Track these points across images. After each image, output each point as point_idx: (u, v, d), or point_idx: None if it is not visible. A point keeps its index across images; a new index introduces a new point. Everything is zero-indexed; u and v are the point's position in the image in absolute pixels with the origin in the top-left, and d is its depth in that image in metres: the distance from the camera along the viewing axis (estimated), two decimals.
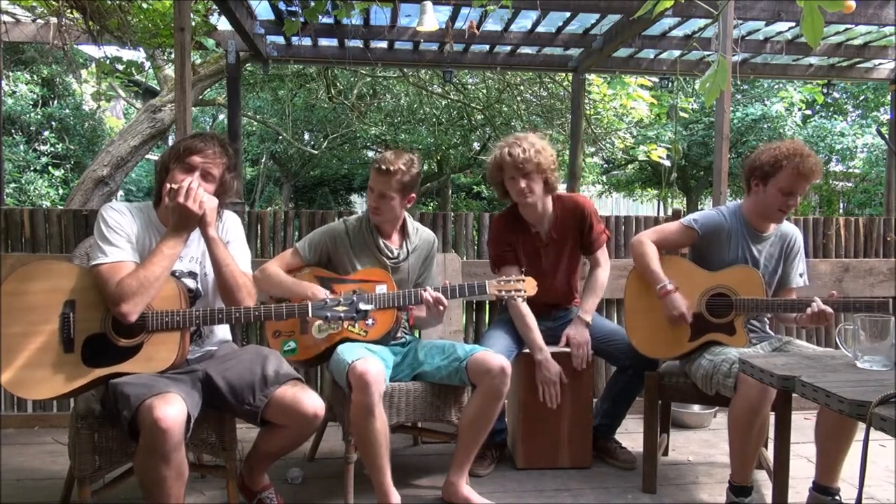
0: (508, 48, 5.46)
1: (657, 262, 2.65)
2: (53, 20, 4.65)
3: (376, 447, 2.29)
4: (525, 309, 2.76)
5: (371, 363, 2.28)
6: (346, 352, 2.38)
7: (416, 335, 2.96)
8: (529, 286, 2.46)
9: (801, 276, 2.72)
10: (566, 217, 2.86)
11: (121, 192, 10.72)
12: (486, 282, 2.46)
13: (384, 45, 5.50)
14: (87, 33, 4.64)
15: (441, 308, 2.46)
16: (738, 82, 10.77)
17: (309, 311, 2.17)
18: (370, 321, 2.50)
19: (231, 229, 2.32)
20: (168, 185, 2.10)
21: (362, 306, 2.16)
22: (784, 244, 2.69)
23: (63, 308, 2.04)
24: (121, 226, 2.12)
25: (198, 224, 2.11)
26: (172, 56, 4.62)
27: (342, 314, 2.16)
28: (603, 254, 2.96)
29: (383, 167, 2.55)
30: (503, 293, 2.45)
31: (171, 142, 4.69)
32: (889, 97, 6.81)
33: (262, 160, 13.93)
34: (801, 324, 2.57)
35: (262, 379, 2.10)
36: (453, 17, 4.53)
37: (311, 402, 2.10)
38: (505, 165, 2.73)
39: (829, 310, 2.45)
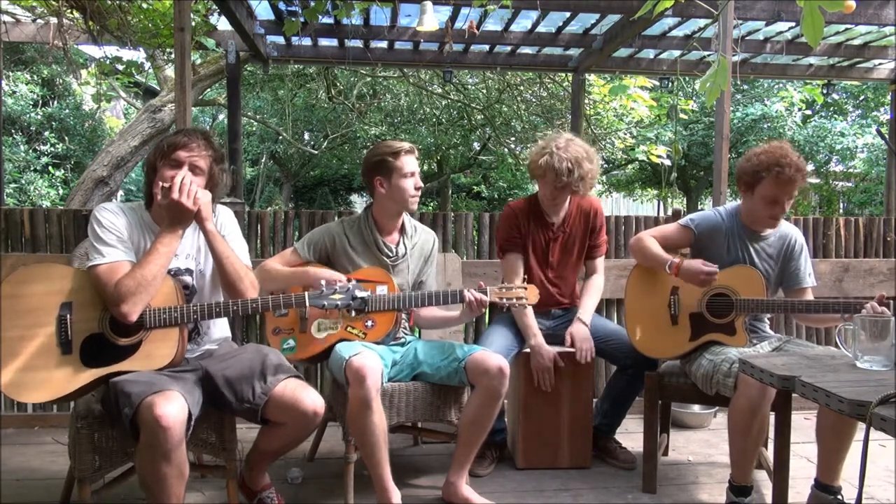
0: (508, 48, 5.46)
1: (659, 247, 2.66)
2: (53, 20, 4.65)
3: (375, 442, 2.28)
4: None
5: (368, 358, 2.28)
6: (344, 349, 2.39)
7: (417, 335, 2.96)
8: (531, 294, 2.45)
9: (809, 275, 2.71)
10: (580, 215, 2.93)
11: (121, 193, 10.70)
12: (488, 288, 2.45)
13: (384, 45, 5.50)
14: (87, 33, 4.65)
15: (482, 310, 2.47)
16: (738, 82, 10.77)
17: (306, 301, 2.17)
18: (369, 323, 2.49)
19: (226, 223, 2.31)
20: (160, 184, 2.08)
21: (358, 293, 2.16)
22: (784, 244, 2.68)
23: (60, 310, 2.03)
24: (115, 226, 2.11)
25: (193, 219, 2.09)
26: (172, 56, 4.63)
27: (339, 302, 2.15)
28: (601, 263, 3.03)
29: (407, 146, 2.61)
30: (504, 300, 2.43)
31: None
32: (889, 97, 6.81)
33: (262, 160, 13.92)
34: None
35: (261, 376, 2.10)
36: (453, 17, 4.53)
37: (311, 399, 2.10)
38: (548, 174, 2.77)
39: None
